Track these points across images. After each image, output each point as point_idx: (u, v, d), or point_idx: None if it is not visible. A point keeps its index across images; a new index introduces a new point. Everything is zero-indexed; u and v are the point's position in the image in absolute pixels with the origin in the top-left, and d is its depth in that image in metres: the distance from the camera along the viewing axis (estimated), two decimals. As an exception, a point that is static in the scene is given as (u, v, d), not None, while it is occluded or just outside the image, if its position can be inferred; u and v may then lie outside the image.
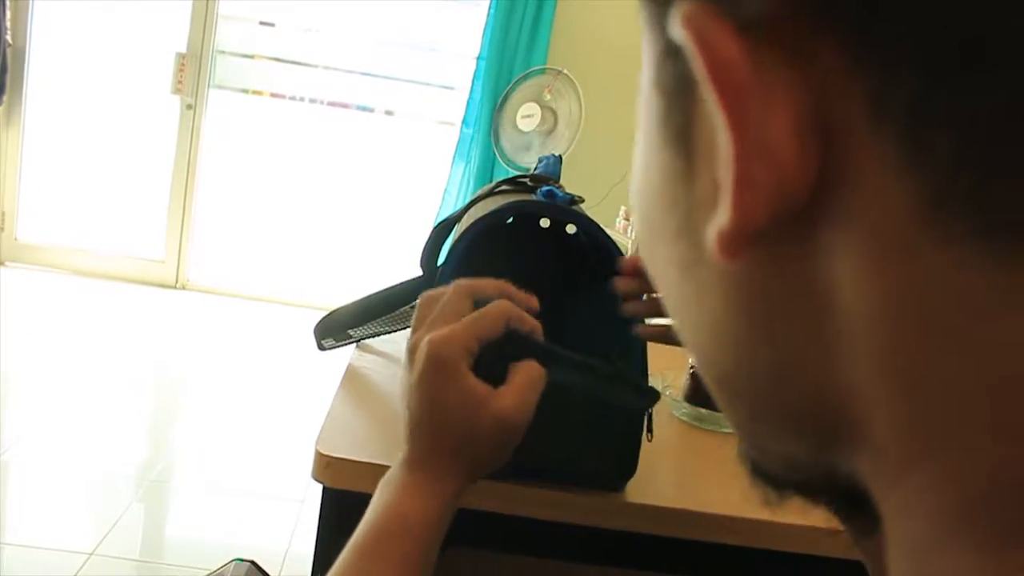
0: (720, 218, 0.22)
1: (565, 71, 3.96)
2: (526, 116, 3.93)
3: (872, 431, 0.22)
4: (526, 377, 0.61)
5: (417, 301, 0.66)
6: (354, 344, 1.08)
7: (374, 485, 0.75)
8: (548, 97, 3.92)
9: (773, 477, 0.29)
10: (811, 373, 0.23)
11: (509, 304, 0.62)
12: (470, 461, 0.61)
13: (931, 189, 0.19)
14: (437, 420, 0.60)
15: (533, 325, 0.63)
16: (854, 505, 0.26)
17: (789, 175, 0.20)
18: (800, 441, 0.26)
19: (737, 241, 0.22)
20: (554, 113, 3.99)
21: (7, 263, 4.68)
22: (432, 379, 0.59)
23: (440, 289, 0.64)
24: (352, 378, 0.96)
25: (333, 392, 0.91)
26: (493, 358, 0.60)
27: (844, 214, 0.20)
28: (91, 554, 2.14)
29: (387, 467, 0.75)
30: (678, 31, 0.21)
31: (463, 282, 0.63)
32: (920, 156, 0.18)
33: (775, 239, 0.22)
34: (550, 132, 3.97)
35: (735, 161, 0.21)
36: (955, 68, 0.18)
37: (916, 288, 0.20)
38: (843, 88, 0.19)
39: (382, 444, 0.78)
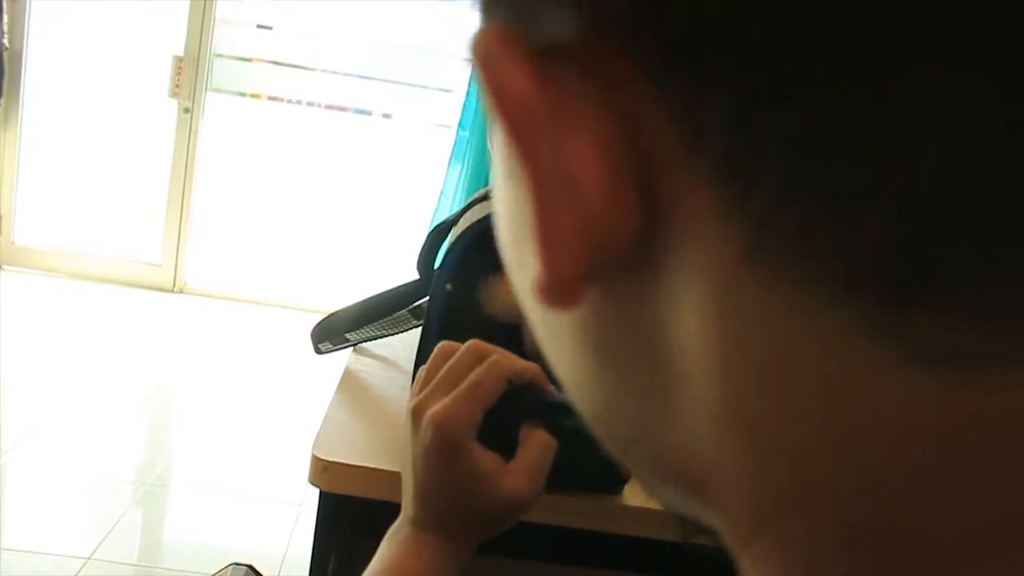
0: (530, 269, 0.19)
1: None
2: None
3: (720, 490, 0.20)
4: (536, 453, 0.60)
5: (431, 351, 0.65)
6: (351, 348, 1.08)
7: (371, 489, 0.74)
8: None
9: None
10: (659, 426, 0.21)
11: (504, 359, 0.61)
12: (479, 529, 0.61)
13: (753, 230, 0.16)
14: (445, 495, 0.60)
15: (534, 372, 0.63)
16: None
17: (600, 218, 0.18)
18: (666, 489, 0.24)
19: (554, 292, 0.19)
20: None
21: (4, 266, 4.68)
22: (439, 457, 0.58)
23: (455, 345, 0.63)
24: (349, 382, 0.96)
25: (330, 396, 0.91)
26: (499, 422, 0.60)
27: (675, 256, 0.18)
28: (89, 558, 2.13)
29: (384, 471, 0.74)
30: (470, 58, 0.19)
31: (474, 344, 0.62)
32: (740, 193, 0.16)
33: (610, 281, 0.19)
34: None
35: (535, 204, 0.18)
36: (767, 95, 0.15)
37: (748, 339, 0.18)
38: (654, 120, 0.17)
39: (379, 448, 0.78)
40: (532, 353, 0.73)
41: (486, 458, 0.58)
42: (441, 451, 0.58)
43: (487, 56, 0.18)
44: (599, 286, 0.19)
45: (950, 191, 0.15)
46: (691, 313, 0.18)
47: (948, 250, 0.15)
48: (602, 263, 0.18)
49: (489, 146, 0.24)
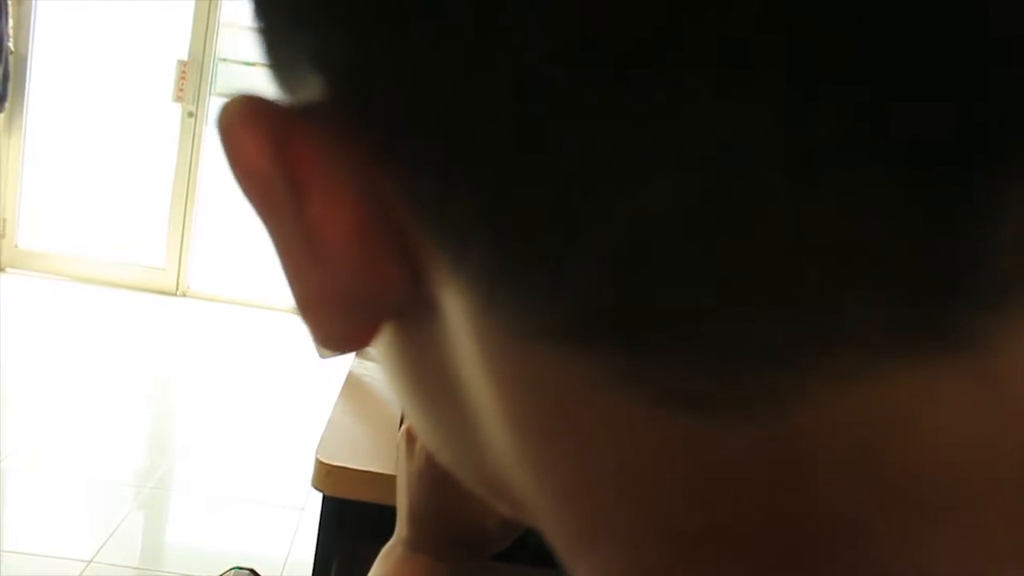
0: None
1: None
2: None
3: (538, 520, 0.21)
4: None
5: None
6: (354, 352, 1.08)
7: (374, 493, 0.75)
8: None
9: None
10: (475, 456, 0.21)
11: None
12: (471, 550, 0.62)
13: (481, 287, 0.16)
14: (438, 519, 0.60)
15: None
16: None
17: (353, 283, 0.18)
18: (494, 499, 0.24)
19: (328, 344, 0.19)
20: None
21: (8, 269, 4.69)
22: (432, 481, 0.59)
23: None
24: (352, 386, 0.96)
25: (333, 400, 0.91)
26: None
27: (440, 308, 0.18)
28: (90, 561, 2.13)
29: (387, 475, 0.74)
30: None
31: None
32: (459, 257, 0.16)
33: (400, 322, 0.19)
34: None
35: (285, 270, 0.19)
36: (460, 161, 0.15)
37: (513, 385, 0.18)
38: (391, 194, 0.17)
39: (382, 452, 0.78)
40: None
41: None
42: (433, 475, 0.59)
43: (226, 127, 0.19)
44: (395, 325, 0.20)
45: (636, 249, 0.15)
46: (467, 358, 0.18)
47: (658, 295, 0.15)
48: (372, 316, 0.19)
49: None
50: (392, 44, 0.16)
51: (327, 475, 0.74)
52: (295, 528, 2.46)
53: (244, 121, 0.19)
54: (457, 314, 0.18)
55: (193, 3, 4.61)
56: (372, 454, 0.78)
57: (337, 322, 0.19)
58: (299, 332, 3.99)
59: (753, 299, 0.14)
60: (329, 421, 0.84)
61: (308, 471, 0.76)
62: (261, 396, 3.52)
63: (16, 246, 4.75)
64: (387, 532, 0.78)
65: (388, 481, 0.74)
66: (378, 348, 0.23)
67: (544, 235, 0.15)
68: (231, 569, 1.05)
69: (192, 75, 4.64)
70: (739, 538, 0.17)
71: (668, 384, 0.16)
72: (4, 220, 4.72)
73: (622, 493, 0.18)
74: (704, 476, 0.17)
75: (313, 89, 0.18)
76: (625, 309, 0.15)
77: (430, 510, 0.60)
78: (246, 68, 4.88)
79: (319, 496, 0.77)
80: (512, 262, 0.16)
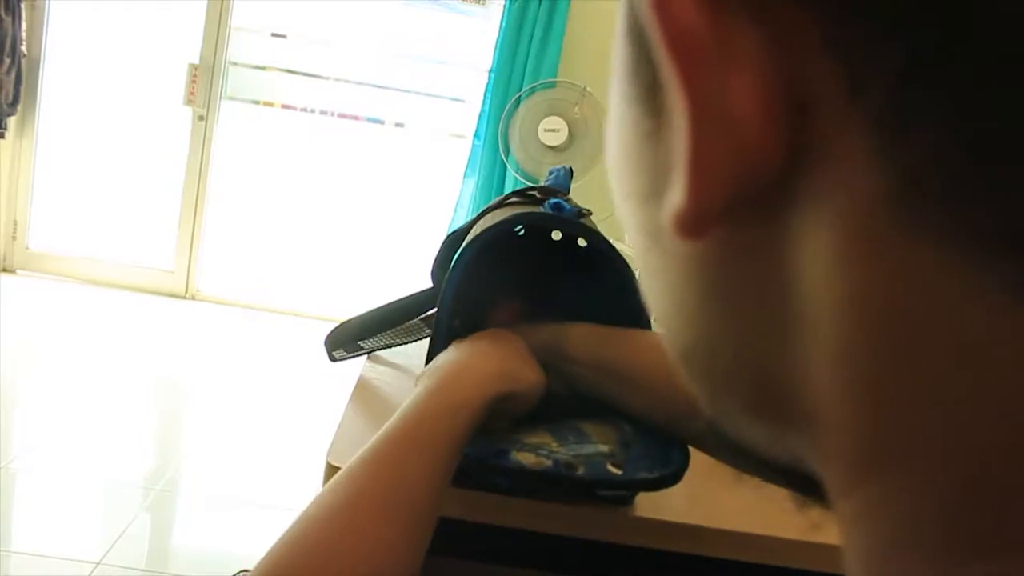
0: (673, 196, 0.20)
1: (588, 88, 3.96)
2: (549, 130, 3.92)
3: (825, 434, 0.21)
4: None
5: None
6: (365, 355, 1.08)
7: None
8: (577, 113, 3.91)
9: (736, 453, 0.27)
10: (768, 363, 0.22)
11: None
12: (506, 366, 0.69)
13: (905, 179, 0.17)
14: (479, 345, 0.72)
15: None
16: (814, 494, 0.25)
17: (751, 151, 0.18)
18: (758, 427, 0.24)
19: (694, 222, 0.20)
20: (585, 128, 3.98)
21: (18, 271, 4.71)
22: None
23: None
24: (363, 390, 0.96)
25: (343, 403, 0.91)
26: None
27: (813, 197, 0.19)
28: (98, 563, 2.14)
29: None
30: None
31: None
32: (896, 142, 0.17)
33: (739, 218, 0.20)
34: (566, 148, 3.96)
35: (690, 132, 0.19)
36: (942, 48, 0.16)
37: (882, 284, 0.18)
38: (818, 61, 0.18)
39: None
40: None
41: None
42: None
43: None
44: (727, 224, 0.20)
45: None
46: (819, 256, 0.19)
47: None
48: (741, 197, 0.19)
49: (614, 71, 0.26)
50: None
51: (338, 478, 0.74)
52: (303, 531, 2.46)
53: None
54: (837, 208, 0.18)
55: (204, 7, 4.63)
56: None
57: (718, 194, 0.19)
58: (308, 336, 4.00)
59: None
60: (340, 424, 0.84)
61: (316, 475, 0.76)
62: (270, 399, 3.52)
63: (27, 248, 4.78)
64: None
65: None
66: (664, 253, 0.24)
67: (1012, 138, 0.16)
68: (239, 572, 1.06)
69: (203, 79, 4.65)
70: None
71: None
72: (15, 222, 4.74)
73: (973, 413, 0.17)
74: None
75: None
76: None
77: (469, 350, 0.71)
78: (256, 72, 4.89)
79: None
80: (961, 162, 0.16)
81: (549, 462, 0.64)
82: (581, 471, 0.65)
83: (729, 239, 0.21)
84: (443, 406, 0.61)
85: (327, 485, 0.57)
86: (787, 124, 0.18)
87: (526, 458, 0.65)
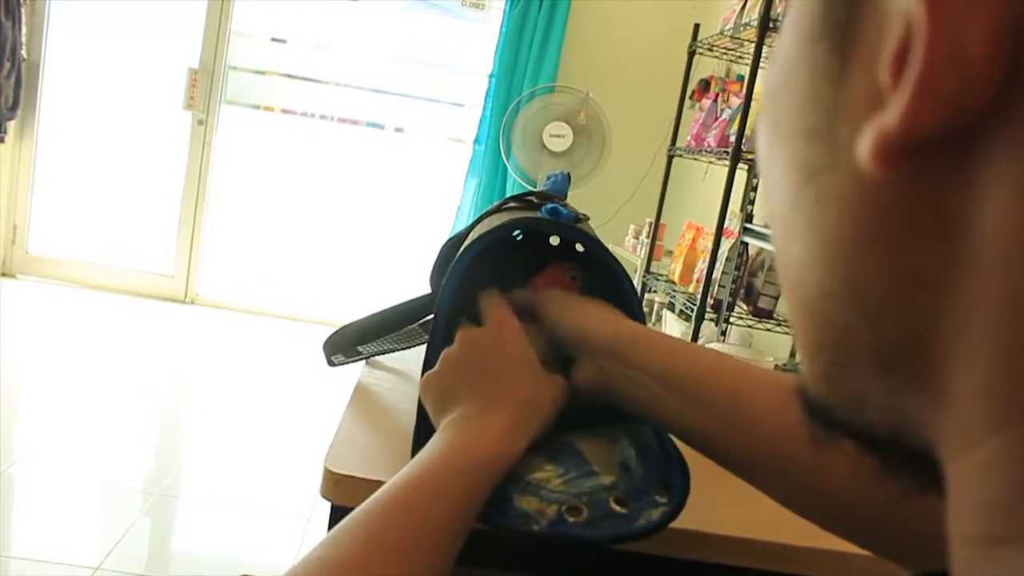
0: (887, 118, 0.21)
1: (591, 94, 3.97)
2: (555, 136, 3.92)
3: (961, 383, 0.21)
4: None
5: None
6: (364, 360, 1.08)
7: (383, 503, 0.75)
8: (582, 120, 3.92)
9: (830, 414, 0.28)
10: (919, 307, 0.22)
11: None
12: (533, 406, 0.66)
13: None
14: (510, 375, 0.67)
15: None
16: (904, 460, 0.26)
17: (975, 85, 0.19)
18: (879, 380, 0.25)
19: (896, 148, 0.21)
20: (588, 135, 3.98)
21: (18, 275, 4.71)
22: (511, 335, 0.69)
23: None
24: (362, 395, 0.96)
25: (342, 408, 0.91)
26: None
27: (1010, 141, 0.20)
28: (97, 568, 2.14)
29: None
30: None
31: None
32: None
33: (930, 154, 0.21)
34: (570, 153, 3.97)
35: (926, 60, 0.20)
36: None
37: None
38: None
39: (392, 462, 0.77)
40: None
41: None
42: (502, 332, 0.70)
43: None
44: (915, 161, 0.21)
45: None
46: (999, 203, 0.20)
47: None
48: (944, 133, 0.20)
49: (790, 12, 0.27)
50: None
51: (336, 484, 0.74)
52: (301, 537, 2.46)
53: None
54: None
55: (204, 11, 4.63)
56: (382, 464, 0.77)
57: (933, 120, 0.20)
58: (307, 340, 4.00)
59: None
60: (338, 430, 0.84)
61: (315, 480, 0.76)
62: (269, 403, 3.52)
63: (27, 252, 4.78)
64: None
65: (397, 491, 0.74)
66: (820, 189, 0.24)
67: None
68: (238, 577, 1.05)
69: (203, 83, 4.66)
70: None
71: None
72: (15, 226, 4.74)
73: None
74: None
75: None
76: None
77: (514, 376, 0.68)
78: (256, 76, 4.90)
79: (326, 505, 0.76)
80: None
81: (552, 510, 0.62)
82: (584, 515, 0.62)
83: (911, 178, 0.22)
84: (463, 467, 0.59)
85: (341, 526, 0.56)
86: (1006, 64, 0.19)
87: (529, 503, 0.62)
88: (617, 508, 0.63)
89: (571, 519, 0.61)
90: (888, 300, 0.23)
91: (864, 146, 0.21)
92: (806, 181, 0.25)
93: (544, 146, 3.92)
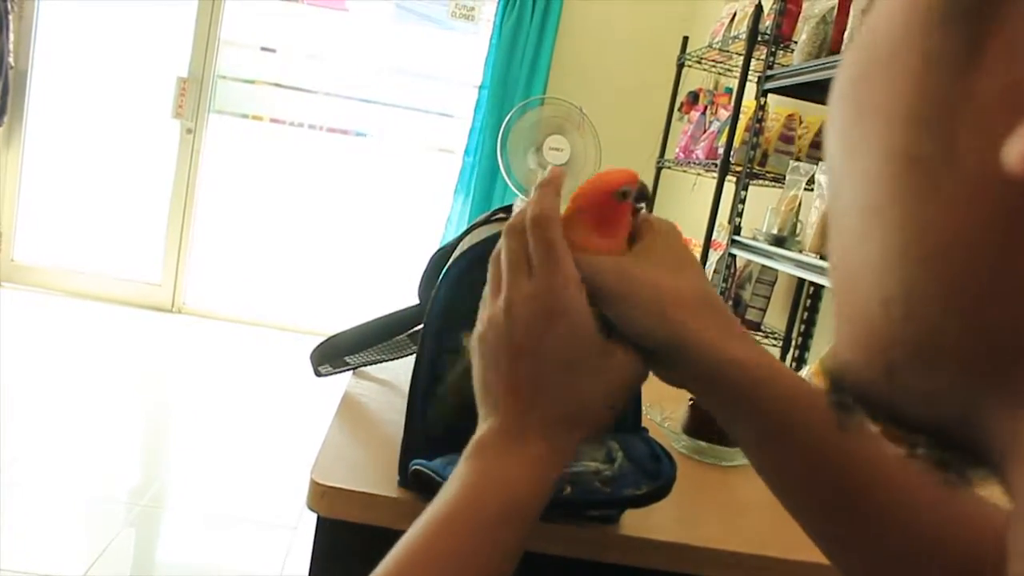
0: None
1: (583, 109, 3.97)
2: (554, 149, 3.93)
3: None
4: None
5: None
6: (351, 371, 1.08)
7: (370, 515, 0.74)
8: (578, 136, 3.93)
9: (874, 406, 0.27)
10: (1020, 312, 0.22)
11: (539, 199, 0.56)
12: (587, 430, 0.54)
13: None
14: (557, 381, 0.53)
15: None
16: (957, 458, 0.25)
17: None
18: (961, 375, 0.24)
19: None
20: (584, 149, 3.99)
21: (3, 283, 4.68)
22: (552, 333, 0.52)
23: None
24: (349, 406, 0.96)
25: (328, 418, 0.91)
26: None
27: None
28: (80, 580, 2.12)
29: (383, 497, 0.74)
30: None
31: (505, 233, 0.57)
32: None
33: None
34: (568, 166, 3.97)
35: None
36: None
37: None
38: None
39: (378, 473, 0.77)
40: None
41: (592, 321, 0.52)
42: (554, 321, 0.52)
43: None
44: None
45: None
46: None
47: None
48: None
49: None
50: None
51: (322, 496, 0.73)
52: (287, 547, 2.45)
53: None
54: None
55: (194, 20, 4.63)
56: (368, 476, 0.77)
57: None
58: (294, 350, 3.98)
59: None
60: (325, 441, 0.83)
61: (301, 490, 0.76)
62: (255, 413, 3.50)
63: (12, 260, 4.75)
64: (382, 555, 0.78)
65: (385, 503, 0.73)
66: (931, 180, 0.23)
67: None
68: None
69: (192, 92, 4.65)
70: None
71: None
72: (0, 234, 4.71)
73: None
74: None
75: None
76: None
77: (556, 381, 0.52)
78: (245, 86, 4.89)
79: (312, 516, 0.76)
80: None
81: None
82: (568, 490, 0.65)
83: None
84: (492, 512, 0.51)
85: (383, 569, 0.49)
86: None
87: None
88: (600, 487, 0.65)
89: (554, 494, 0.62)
90: (987, 300, 0.22)
91: (1015, 152, 0.20)
92: (905, 170, 0.24)
93: (541, 160, 3.92)
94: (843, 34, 2.31)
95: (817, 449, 0.51)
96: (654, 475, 0.68)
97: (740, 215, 2.81)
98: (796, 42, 2.66)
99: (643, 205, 0.58)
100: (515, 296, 0.53)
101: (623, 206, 0.57)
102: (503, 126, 4.00)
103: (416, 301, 0.97)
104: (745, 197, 2.84)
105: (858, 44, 0.27)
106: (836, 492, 0.51)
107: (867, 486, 0.50)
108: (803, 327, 2.81)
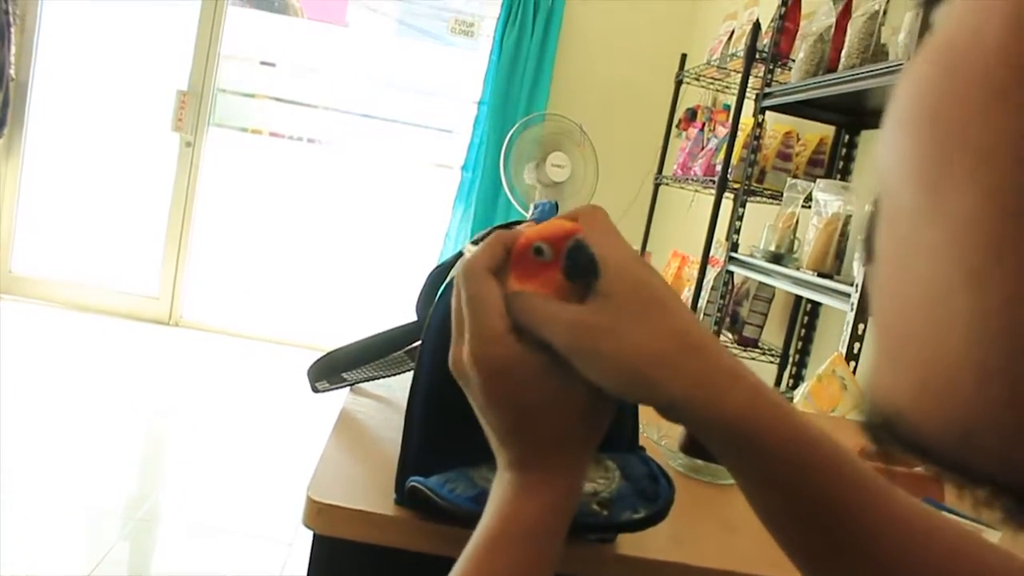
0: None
1: (583, 127, 3.99)
2: (556, 166, 3.94)
3: None
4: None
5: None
6: (348, 387, 1.08)
7: (366, 533, 0.74)
8: (579, 153, 3.94)
9: (940, 460, 0.24)
10: None
11: (471, 260, 0.54)
12: (577, 442, 0.53)
13: None
14: (526, 425, 0.52)
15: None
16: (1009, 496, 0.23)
17: None
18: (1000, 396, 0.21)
19: None
20: (584, 165, 4.01)
21: (2, 295, 4.67)
22: (499, 389, 0.51)
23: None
24: (346, 422, 0.96)
25: (325, 435, 0.91)
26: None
27: None
28: (74, 594, 2.11)
29: (379, 515, 0.74)
30: None
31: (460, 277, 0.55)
32: None
33: None
34: (568, 183, 3.98)
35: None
36: None
37: None
38: None
39: (375, 491, 0.77)
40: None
41: (546, 367, 0.50)
42: (497, 382, 0.51)
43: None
44: None
45: None
46: None
47: None
48: None
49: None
50: None
51: (318, 513, 0.73)
52: (283, 562, 2.44)
53: None
54: None
55: (194, 34, 4.65)
56: (365, 493, 0.77)
57: None
58: (292, 365, 3.97)
59: None
60: (321, 458, 0.83)
61: (296, 504, 0.76)
62: (252, 428, 3.50)
63: (10, 272, 4.75)
64: (378, 572, 0.78)
65: (381, 521, 0.73)
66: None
67: None
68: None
69: (191, 105, 4.66)
70: None
71: None
72: (-1, 246, 4.72)
73: None
74: None
75: None
76: None
77: (515, 423, 0.51)
78: (244, 99, 4.91)
79: (308, 531, 0.76)
80: None
81: None
82: None
83: None
84: (518, 527, 0.51)
85: None
86: None
87: None
88: (598, 509, 0.65)
89: None
90: None
91: None
92: (1013, 216, 0.20)
93: (542, 175, 3.93)
94: (840, 52, 2.32)
95: (817, 500, 0.48)
96: (652, 497, 0.68)
97: (738, 232, 2.82)
98: (794, 60, 2.68)
99: (589, 281, 0.50)
100: (457, 354, 0.53)
101: (546, 265, 0.52)
102: (506, 141, 4.02)
103: (414, 318, 0.97)
104: (743, 214, 2.85)
105: (935, 61, 0.23)
106: (833, 543, 0.49)
107: (872, 537, 0.47)
108: (800, 344, 2.81)
